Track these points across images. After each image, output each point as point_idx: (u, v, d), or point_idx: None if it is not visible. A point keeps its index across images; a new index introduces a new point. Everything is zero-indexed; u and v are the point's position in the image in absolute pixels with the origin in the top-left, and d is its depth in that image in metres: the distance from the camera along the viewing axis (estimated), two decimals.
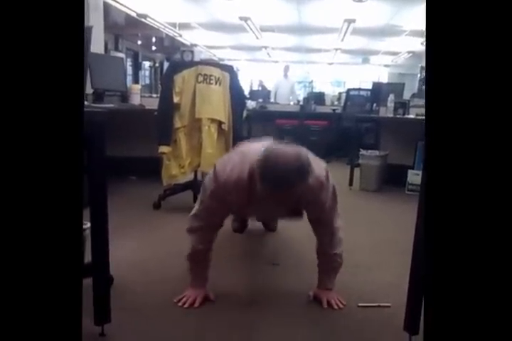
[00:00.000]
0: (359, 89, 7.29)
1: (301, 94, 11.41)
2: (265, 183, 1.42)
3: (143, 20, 8.68)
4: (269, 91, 8.99)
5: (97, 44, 4.18)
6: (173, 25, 9.69)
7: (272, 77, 11.47)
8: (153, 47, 12.98)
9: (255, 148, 1.59)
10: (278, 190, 1.42)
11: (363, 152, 4.35)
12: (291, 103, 8.11)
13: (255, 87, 11.46)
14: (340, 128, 6.51)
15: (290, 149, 1.47)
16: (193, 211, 1.76)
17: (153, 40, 12.19)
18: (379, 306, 1.78)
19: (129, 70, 11.93)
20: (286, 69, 8.77)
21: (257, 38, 10.50)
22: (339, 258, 1.78)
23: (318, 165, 1.63)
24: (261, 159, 1.44)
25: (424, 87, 5.83)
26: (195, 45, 12.03)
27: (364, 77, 15.17)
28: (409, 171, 4.18)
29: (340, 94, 8.50)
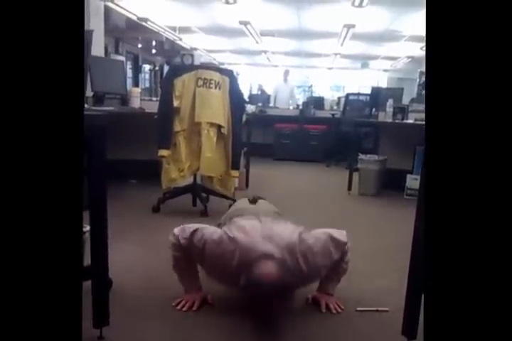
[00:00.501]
0: (358, 94, 7.31)
1: (300, 99, 11.43)
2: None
3: (143, 23, 8.71)
4: (268, 96, 9.02)
5: (97, 47, 4.20)
6: (174, 28, 9.72)
7: (271, 82, 11.50)
8: (154, 51, 13.01)
9: (246, 234, 1.61)
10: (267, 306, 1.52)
11: (361, 156, 4.36)
12: (291, 107, 8.13)
13: (255, 91, 11.49)
14: (340, 132, 6.53)
15: (274, 269, 1.48)
16: (177, 231, 1.72)
17: (154, 43, 12.22)
18: (377, 310, 1.78)
19: (129, 73, 11.95)
20: (286, 73, 8.80)
21: (257, 42, 10.53)
22: (345, 265, 1.79)
23: (315, 256, 1.65)
24: (246, 283, 1.50)
25: (423, 92, 5.85)
26: (195, 49, 12.05)
27: (363, 82, 15.21)
28: (408, 176, 4.19)
29: (339, 98, 8.52)
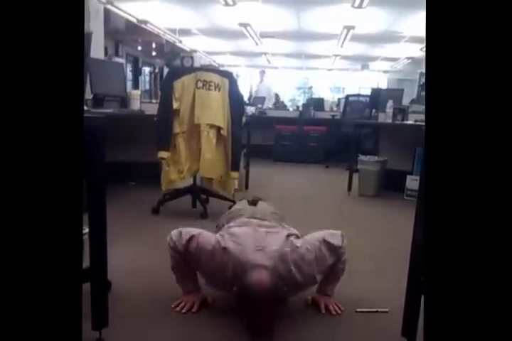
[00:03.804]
0: (358, 95, 7.31)
1: (300, 100, 11.44)
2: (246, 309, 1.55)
3: (143, 26, 8.72)
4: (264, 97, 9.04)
5: (97, 49, 4.20)
6: (173, 31, 9.73)
7: (272, 83, 11.51)
8: (154, 53, 13.02)
9: (240, 250, 1.62)
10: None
11: (361, 157, 4.36)
12: (291, 109, 8.14)
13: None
14: (340, 133, 6.54)
15: (266, 278, 1.51)
16: (175, 234, 1.73)
17: (154, 45, 12.23)
18: (377, 312, 1.78)
19: (129, 76, 11.95)
20: (262, 74, 8.76)
21: (257, 44, 10.53)
22: (341, 265, 1.78)
23: (308, 264, 1.67)
24: (242, 288, 1.55)
25: (423, 93, 5.86)
26: (195, 51, 12.06)
27: (363, 83, 15.22)
28: (408, 177, 4.19)
29: (339, 99, 8.53)
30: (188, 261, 1.74)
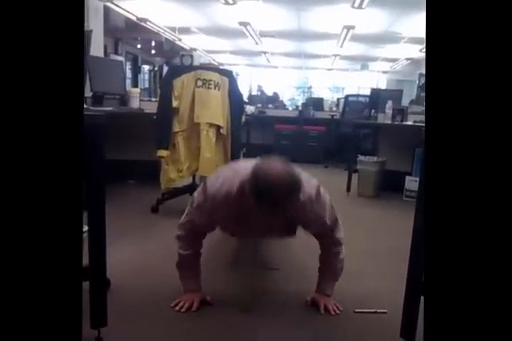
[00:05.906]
0: (358, 95, 7.32)
1: (300, 100, 11.45)
2: (257, 198, 1.41)
3: (143, 24, 8.71)
4: (268, 97, 9.02)
5: (96, 47, 4.19)
6: (173, 29, 9.71)
7: (271, 82, 11.50)
8: (153, 51, 13.00)
9: (247, 165, 1.57)
10: (270, 204, 1.41)
11: (360, 158, 4.36)
12: (290, 108, 8.13)
13: (254, 92, 11.49)
14: (339, 133, 6.54)
15: (280, 165, 1.46)
16: (181, 220, 1.76)
17: (153, 44, 12.21)
18: (376, 312, 1.78)
19: (129, 74, 11.93)
20: None
21: (257, 43, 10.53)
22: (340, 264, 1.79)
23: (308, 183, 1.62)
24: (252, 174, 1.44)
25: (422, 94, 5.87)
26: (195, 50, 12.05)
27: (363, 83, 15.22)
28: (407, 177, 4.19)
29: (338, 99, 8.53)
30: (197, 246, 1.74)
